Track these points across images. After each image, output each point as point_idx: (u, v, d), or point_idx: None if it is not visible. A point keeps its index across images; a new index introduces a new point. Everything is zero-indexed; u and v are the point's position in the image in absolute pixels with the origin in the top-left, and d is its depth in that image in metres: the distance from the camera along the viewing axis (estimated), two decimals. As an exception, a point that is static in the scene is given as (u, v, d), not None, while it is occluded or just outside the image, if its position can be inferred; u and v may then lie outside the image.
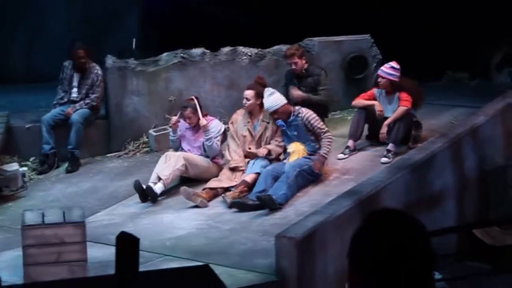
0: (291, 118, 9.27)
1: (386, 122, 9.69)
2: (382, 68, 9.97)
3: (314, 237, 7.58)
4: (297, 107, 9.39)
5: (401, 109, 9.69)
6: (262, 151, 9.34)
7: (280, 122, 9.31)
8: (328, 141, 9.18)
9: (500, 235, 8.87)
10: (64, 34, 13.49)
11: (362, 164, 9.65)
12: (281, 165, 9.17)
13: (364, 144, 10.12)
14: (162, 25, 14.43)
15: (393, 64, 9.84)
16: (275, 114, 9.28)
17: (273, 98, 9.27)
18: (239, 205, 8.83)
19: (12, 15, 13.53)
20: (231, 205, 8.89)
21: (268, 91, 9.39)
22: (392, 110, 9.81)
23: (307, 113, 9.26)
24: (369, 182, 8.49)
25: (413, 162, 8.81)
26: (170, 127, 9.99)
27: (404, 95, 9.75)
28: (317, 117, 9.27)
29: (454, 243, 8.83)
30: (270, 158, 9.34)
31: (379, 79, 9.87)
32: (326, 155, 9.16)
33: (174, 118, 9.73)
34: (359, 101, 10.03)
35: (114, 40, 13.40)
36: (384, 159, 9.53)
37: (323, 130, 9.20)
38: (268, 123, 9.52)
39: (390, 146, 9.62)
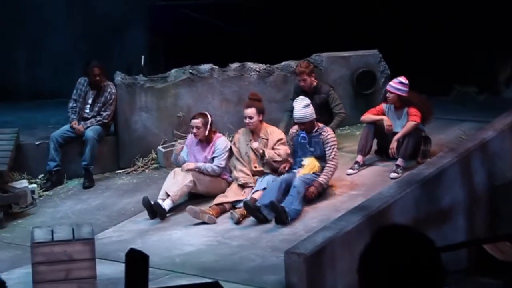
0: (313, 134, 9.28)
1: (396, 137, 9.68)
2: (391, 83, 9.98)
3: (324, 253, 7.56)
4: (321, 125, 9.40)
5: (410, 124, 9.69)
6: (258, 147, 9.34)
7: (302, 134, 9.29)
8: (331, 170, 9.18)
9: (510, 250, 8.82)
10: (68, 49, 13.55)
11: (371, 179, 9.63)
12: (292, 175, 9.18)
13: (373, 159, 10.10)
14: (169, 39, 14.47)
15: (402, 79, 9.85)
16: (302, 125, 9.28)
17: (307, 111, 9.21)
18: (251, 209, 8.81)
19: (14, 30, 13.58)
20: (244, 206, 8.89)
21: (303, 100, 9.27)
22: (401, 125, 9.81)
23: (329, 134, 9.26)
24: (378, 198, 8.47)
25: (423, 177, 8.79)
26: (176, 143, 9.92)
27: (413, 110, 9.74)
28: (335, 142, 9.28)
29: (464, 258, 8.78)
30: (264, 161, 9.31)
31: (388, 94, 9.87)
32: (323, 184, 9.13)
33: (179, 147, 9.67)
34: (368, 116, 10.03)
35: (120, 55, 13.44)
36: (393, 174, 9.52)
37: (331, 156, 9.18)
38: (267, 139, 9.52)
39: (399, 161, 9.61)
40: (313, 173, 9.13)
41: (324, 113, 10.37)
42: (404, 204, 8.46)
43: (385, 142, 9.88)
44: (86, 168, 10.49)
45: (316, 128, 9.30)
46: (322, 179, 9.09)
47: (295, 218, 8.76)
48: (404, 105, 9.82)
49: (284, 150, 9.43)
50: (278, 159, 9.37)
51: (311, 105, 9.33)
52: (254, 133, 9.61)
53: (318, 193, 9.09)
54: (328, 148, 9.19)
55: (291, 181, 9.07)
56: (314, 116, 9.30)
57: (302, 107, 9.21)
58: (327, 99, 10.42)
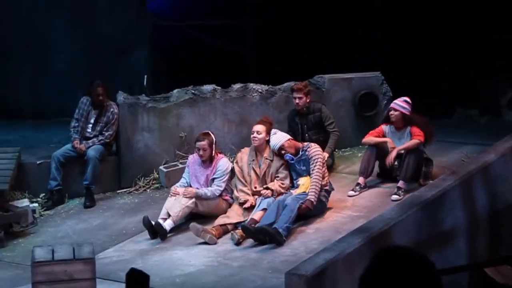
0: (300, 153, 9.37)
1: (397, 148, 9.71)
2: (396, 101, 10.02)
3: (324, 275, 7.53)
4: (305, 143, 9.55)
5: (414, 141, 9.70)
6: (266, 193, 9.35)
7: (288, 155, 9.40)
8: (316, 184, 9.19)
9: (511, 274, 8.79)
10: (71, 69, 13.59)
11: (373, 201, 9.62)
12: (288, 196, 9.22)
13: (374, 181, 10.10)
14: (171, 59, 14.52)
15: (406, 98, 9.93)
16: (281, 149, 9.42)
17: (276, 136, 9.53)
18: (249, 232, 8.82)
19: (18, 49, 13.64)
20: (242, 229, 8.90)
21: (272, 131, 9.65)
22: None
23: (313, 149, 9.35)
24: (380, 219, 8.45)
25: (424, 200, 8.77)
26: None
27: (416, 130, 9.77)
28: (318, 156, 9.31)
29: (465, 281, 8.75)
30: (273, 196, 9.38)
31: (392, 112, 9.90)
32: (313, 200, 9.13)
33: (176, 190, 9.61)
34: (370, 138, 10.03)
35: (122, 75, 13.47)
36: (394, 197, 9.52)
37: (315, 170, 9.22)
38: (271, 160, 9.56)
39: (401, 183, 9.61)
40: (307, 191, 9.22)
41: (321, 131, 10.44)
42: (406, 226, 8.44)
43: (387, 164, 9.89)
44: (87, 187, 10.49)
45: (301, 147, 9.44)
46: (310, 196, 9.12)
47: (287, 235, 8.81)
48: (407, 124, 9.85)
49: (287, 179, 9.50)
50: (283, 191, 9.43)
51: (278, 131, 9.64)
52: (258, 153, 9.63)
53: (309, 209, 9.11)
54: (311, 163, 9.27)
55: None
56: (287, 137, 9.52)
57: (271, 136, 9.54)
58: (321, 116, 10.46)
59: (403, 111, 9.82)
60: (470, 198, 9.22)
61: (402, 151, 9.71)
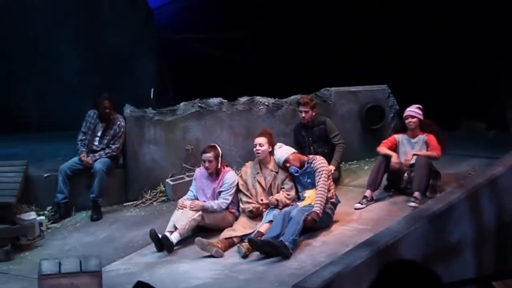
0: (306, 166, 9.40)
1: (414, 152, 9.77)
2: (410, 108, 10.10)
3: (331, 288, 7.52)
4: (311, 156, 9.59)
5: (433, 153, 9.76)
6: (272, 200, 9.37)
7: (293, 168, 9.41)
8: (321, 197, 9.19)
9: (519, 287, 8.76)
10: (77, 82, 13.64)
11: (380, 214, 9.61)
12: (294, 207, 9.23)
13: (382, 195, 10.09)
14: (178, 72, 14.56)
15: (418, 105, 10.05)
16: (286, 162, 9.45)
17: (281, 150, 9.58)
18: (256, 245, 8.82)
19: (25, 62, 13.68)
20: (248, 242, 8.90)
21: (277, 145, 9.69)
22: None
23: (318, 161, 9.37)
24: (387, 233, 8.43)
25: (431, 213, 8.76)
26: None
27: (434, 142, 9.82)
28: (323, 168, 9.32)
29: (472, 294, 8.72)
30: (279, 207, 9.38)
31: (409, 120, 9.95)
32: (319, 212, 9.13)
33: (183, 203, 9.62)
34: (383, 148, 10.03)
35: (129, 88, 13.50)
36: (412, 204, 9.53)
37: (320, 183, 9.23)
38: (276, 172, 9.58)
39: (416, 194, 9.64)
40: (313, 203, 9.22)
41: (326, 144, 10.44)
42: (413, 239, 8.42)
43: (396, 177, 9.90)
44: (94, 200, 10.51)
45: (306, 160, 9.47)
46: (316, 208, 9.12)
47: (293, 248, 8.80)
48: (423, 129, 9.94)
49: (293, 190, 9.51)
50: (289, 202, 9.44)
51: (284, 145, 9.70)
52: (262, 165, 9.65)
53: (315, 221, 9.11)
54: (316, 175, 9.28)
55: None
56: (292, 150, 9.57)
57: (277, 149, 9.59)
58: (325, 129, 10.48)
59: (420, 117, 9.94)
60: (477, 211, 9.20)
61: (413, 160, 9.74)
